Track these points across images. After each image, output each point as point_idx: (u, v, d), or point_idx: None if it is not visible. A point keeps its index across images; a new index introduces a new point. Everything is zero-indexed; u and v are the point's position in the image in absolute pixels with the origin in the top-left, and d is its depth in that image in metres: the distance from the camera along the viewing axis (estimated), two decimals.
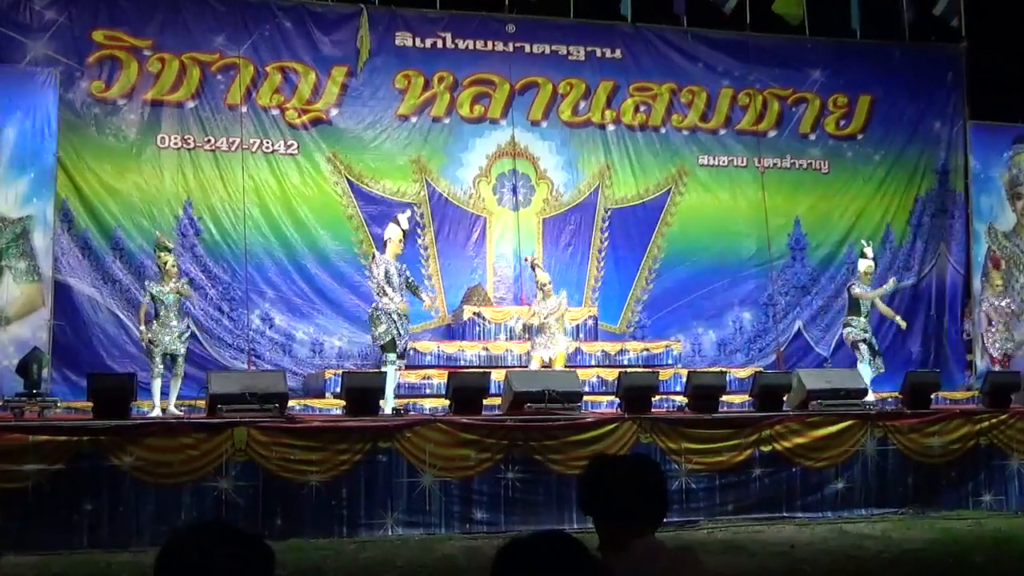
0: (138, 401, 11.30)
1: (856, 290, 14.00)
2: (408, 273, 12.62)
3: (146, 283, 12.35)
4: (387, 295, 12.07)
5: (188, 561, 2.11)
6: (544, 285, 13.35)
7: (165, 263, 11.95)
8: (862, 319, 13.89)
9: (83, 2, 14.41)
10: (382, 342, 12.15)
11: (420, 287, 13.14)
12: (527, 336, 13.80)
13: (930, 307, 17.29)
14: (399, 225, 12.54)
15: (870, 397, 12.61)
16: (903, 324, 14.98)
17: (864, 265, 14.23)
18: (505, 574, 2.26)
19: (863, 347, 13.72)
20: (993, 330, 15.73)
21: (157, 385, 11.63)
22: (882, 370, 13.65)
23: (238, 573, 2.11)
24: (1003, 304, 15.86)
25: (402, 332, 12.20)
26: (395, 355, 12.10)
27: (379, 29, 15.49)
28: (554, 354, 13.01)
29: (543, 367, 12.80)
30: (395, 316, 12.08)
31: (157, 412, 11.35)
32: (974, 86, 17.34)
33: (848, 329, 14.00)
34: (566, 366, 13.06)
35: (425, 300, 12.78)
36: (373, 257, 12.68)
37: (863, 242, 14.90)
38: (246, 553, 2.14)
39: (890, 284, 14.49)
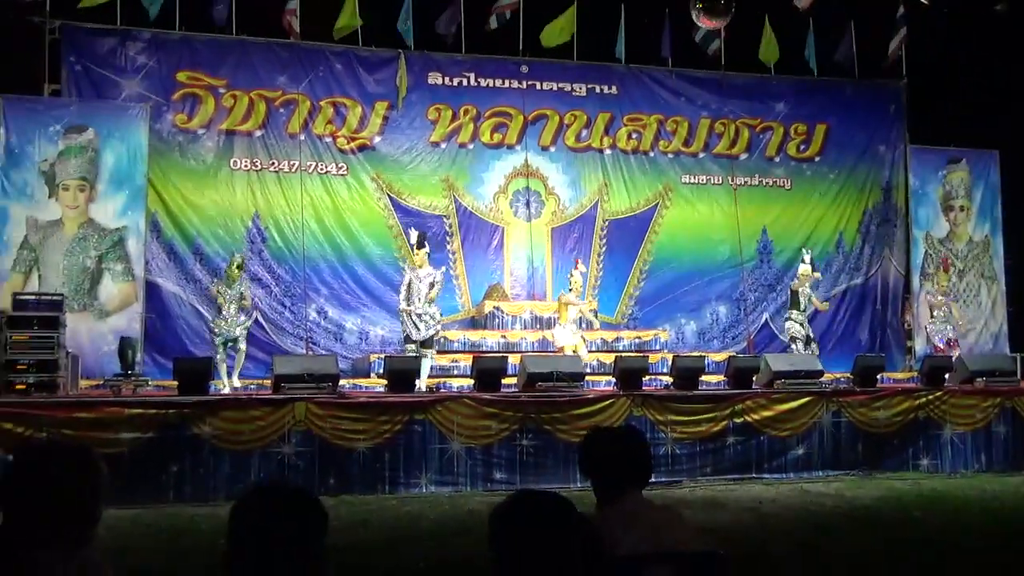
0: (215, 380, 11.37)
1: (796, 285, 14.31)
2: (435, 279, 12.57)
3: (214, 282, 12.62)
4: (409, 302, 12.36)
5: (257, 515, 2.13)
6: (573, 288, 13.61)
7: (233, 276, 12.23)
8: (800, 313, 14.08)
9: (169, 48, 14.46)
10: (404, 332, 12.51)
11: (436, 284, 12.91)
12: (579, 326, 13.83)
13: (876, 302, 17.23)
14: (410, 240, 12.93)
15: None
16: (824, 307, 15.08)
17: (803, 268, 14.39)
18: (502, 528, 2.24)
19: (799, 342, 13.87)
20: (933, 321, 15.54)
21: (223, 367, 11.98)
22: (816, 354, 13.60)
23: (298, 527, 2.12)
24: (939, 299, 15.71)
25: (423, 329, 12.30)
26: (415, 346, 12.28)
27: (415, 70, 15.50)
28: (577, 342, 13.24)
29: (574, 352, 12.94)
30: (413, 317, 12.30)
31: (226, 388, 11.50)
32: (913, 115, 17.26)
33: (789, 323, 14.20)
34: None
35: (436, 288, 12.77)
36: (406, 269, 12.85)
37: (803, 251, 15.04)
38: (305, 510, 2.15)
39: (823, 305, 14.94)
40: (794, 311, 14.14)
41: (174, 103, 14.44)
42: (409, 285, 12.47)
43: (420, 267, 12.56)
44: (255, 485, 2.28)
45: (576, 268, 14.06)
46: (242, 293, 12.23)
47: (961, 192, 16.85)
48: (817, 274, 14.79)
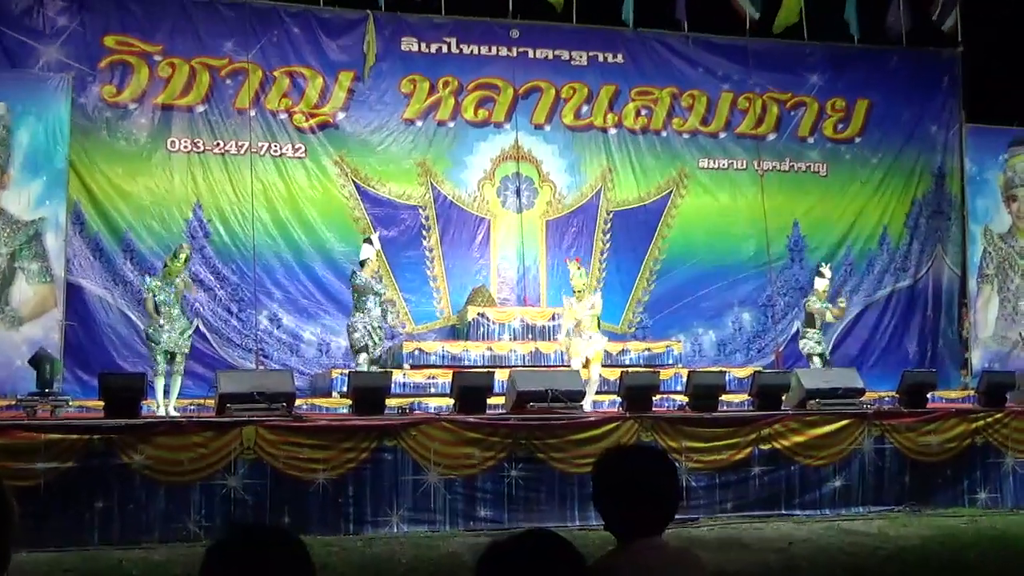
0: (148, 400, 11.32)
1: (811, 305, 14.36)
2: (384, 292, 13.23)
3: (148, 279, 12.49)
4: (363, 310, 12.70)
5: (238, 562, 2.13)
6: (580, 290, 13.14)
7: (171, 270, 12.04)
8: (816, 331, 14.29)
9: (95, 8, 14.44)
10: (356, 347, 12.71)
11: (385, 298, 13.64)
12: (567, 335, 13.72)
13: (927, 308, 17.31)
14: (372, 245, 13.18)
15: None
16: (838, 312, 14.99)
17: (821, 284, 14.48)
18: (492, 572, 2.23)
19: (816, 359, 14.06)
20: None
21: (160, 383, 11.74)
22: None
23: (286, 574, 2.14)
24: None
25: (377, 341, 12.73)
26: (365, 357, 12.57)
27: (385, 34, 15.52)
28: (592, 353, 12.80)
29: (584, 366, 12.74)
30: (369, 328, 12.65)
31: (162, 411, 11.43)
32: (970, 90, 17.35)
33: (804, 341, 14.40)
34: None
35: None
36: (353, 275, 13.02)
37: (821, 263, 15.21)
38: (293, 558, 2.16)
39: (840, 305, 14.88)
40: (810, 329, 14.39)
41: (101, 73, 14.40)
42: (362, 292, 12.78)
43: (372, 274, 12.97)
44: (234, 526, 2.28)
45: (574, 266, 13.67)
46: (183, 292, 12.11)
47: None
48: (843, 302, 15.02)
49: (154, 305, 11.92)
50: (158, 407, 11.55)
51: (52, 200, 13.32)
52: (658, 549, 3.00)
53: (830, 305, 14.56)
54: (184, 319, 12.14)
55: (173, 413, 11.44)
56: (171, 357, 11.89)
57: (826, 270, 14.74)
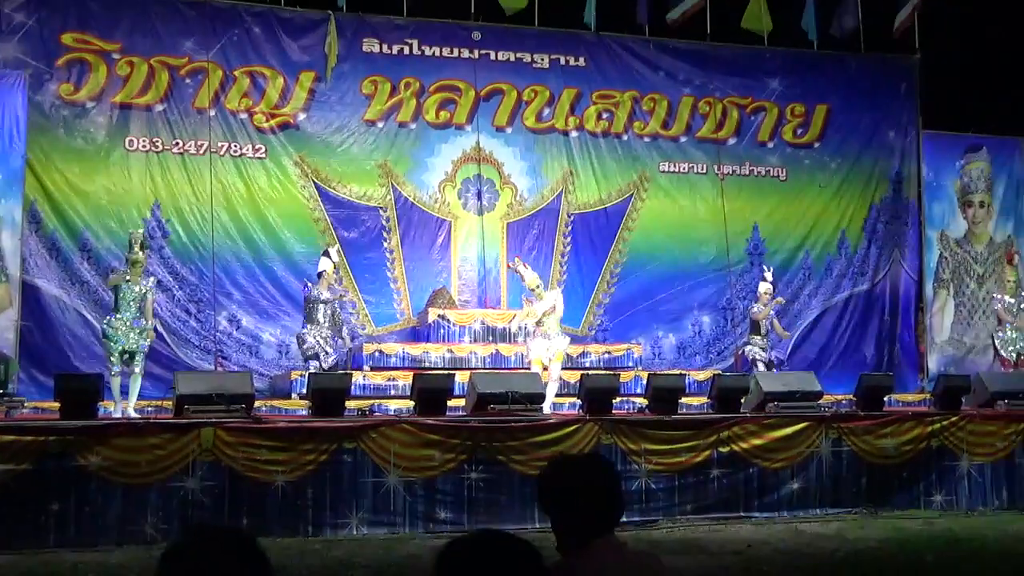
0: (105, 402, 11.20)
1: (754, 311, 14.56)
2: (337, 304, 13.52)
3: (114, 272, 12.36)
4: (313, 322, 13.06)
5: (193, 565, 2.12)
6: (535, 288, 13.12)
7: (136, 260, 11.89)
8: (761, 338, 14.44)
9: (52, 5, 14.30)
10: (307, 355, 13.07)
11: (341, 295, 13.98)
12: (524, 338, 13.71)
13: (884, 312, 17.47)
14: (330, 258, 13.35)
15: None
16: (784, 335, 15.31)
17: (764, 287, 14.61)
18: (450, 573, 2.22)
19: (760, 365, 14.14)
20: (1006, 330, 15.47)
21: (116, 383, 11.61)
22: None
23: None
24: (1008, 303, 15.58)
25: (329, 351, 12.97)
26: (316, 365, 12.84)
27: (347, 35, 15.48)
28: (553, 353, 12.81)
29: (544, 368, 12.72)
30: (319, 339, 12.95)
31: (119, 412, 11.31)
32: (927, 96, 17.52)
33: (749, 347, 14.53)
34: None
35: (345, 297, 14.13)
36: (306, 286, 13.29)
37: (764, 266, 15.35)
38: (249, 560, 2.15)
39: (777, 301, 14.90)
40: (755, 336, 14.52)
41: (58, 70, 14.25)
42: (313, 305, 13.04)
43: (326, 289, 13.22)
44: (189, 528, 2.27)
45: (519, 265, 13.60)
46: (147, 287, 11.98)
47: (981, 186, 17.16)
48: (781, 299, 15.04)
49: (115, 296, 11.83)
50: (115, 407, 11.42)
51: (8, 199, 13.18)
52: (616, 549, 3.03)
53: (777, 322, 14.71)
54: (144, 320, 11.96)
55: (132, 414, 11.32)
56: (129, 357, 11.77)
57: (768, 274, 14.85)
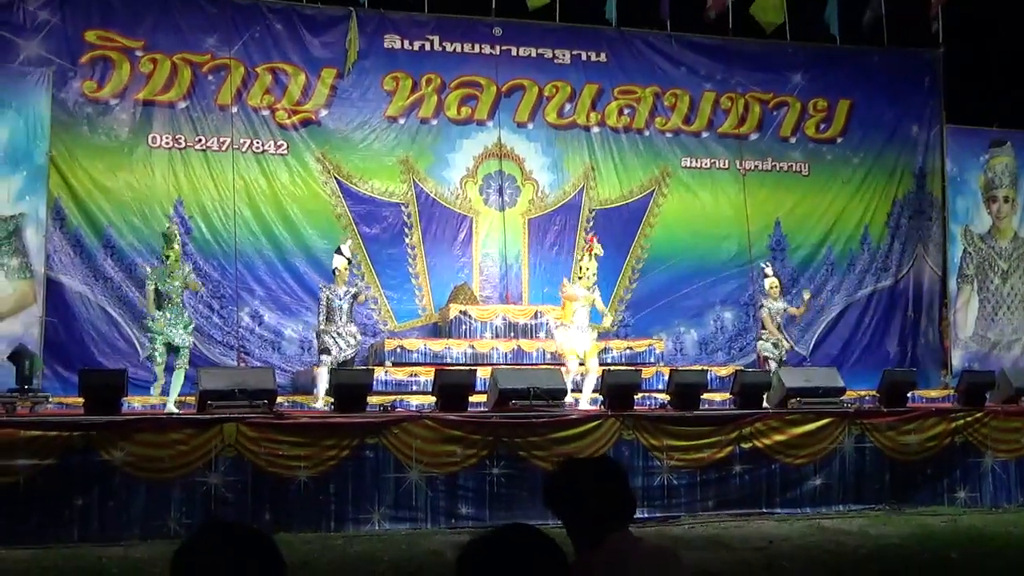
0: (129, 397, 11.29)
1: (763, 312, 14.47)
2: (350, 298, 12.99)
3: (152, 269, 12.47)
4: (330, 322, 12.73)
5: (208, 562, 2.13)
6: (585, 272, 13.12)
7: (168, 256, 12.12)
8: (773, 333, 14.33)
9: (76, 3, 14.39)
10: (320, 349, 12.83)
11: (361, 292, 13.51)
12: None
13: (907, 307, 17.40)
14: (343, 255, 13.12)
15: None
16: (804, 303, 15.16)
17: (768, 283, 14.54)
18: (472, 569, 2.23)
19: (771, 363, 14.04)
20: None
21: (161, 374, 11.93)
22: None
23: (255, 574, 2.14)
24: None
25: (343, 347, 12.70)
26: (328, 359, 12.56)
27: (368, 31, 15.50)
28: (588, 346, 12.87)
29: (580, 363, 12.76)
30: (334, 335, 12.67)
31: (171, 405, 11.47)
32: (951, 90, 17.44)
33: (760, 343, 14.47)
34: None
35: (362, 296, 13.58)
36: (322, 288, 13.11)
37: (762, 263, 15.28)
38: (263, 557, 2.16)
39: (806, 294, 15.11)
40: (764, 331, 14.45)
41: (82, 68, 14.35)
42: (329, 306, 12.80)
43: (341, 285, 12.94)
44: (204, 525, 2.28)
45: (588, 252, 13.43)
46: (186, 282, 12.16)
47: (1006, 180, 17.05)
48: (807, 294, 15.13)
49: (155, 296, 11.99)
50: (158, 397, 11.59)
51: (32, 195, 13.26)
52: (633, 543, 3.03)
53: (787, 305, 14.65)
54: (186, 314, 12.23)
55: (174, 410, 11.43)
56: (176, 351, 11.99)
57: (768, 269, 14.79)
